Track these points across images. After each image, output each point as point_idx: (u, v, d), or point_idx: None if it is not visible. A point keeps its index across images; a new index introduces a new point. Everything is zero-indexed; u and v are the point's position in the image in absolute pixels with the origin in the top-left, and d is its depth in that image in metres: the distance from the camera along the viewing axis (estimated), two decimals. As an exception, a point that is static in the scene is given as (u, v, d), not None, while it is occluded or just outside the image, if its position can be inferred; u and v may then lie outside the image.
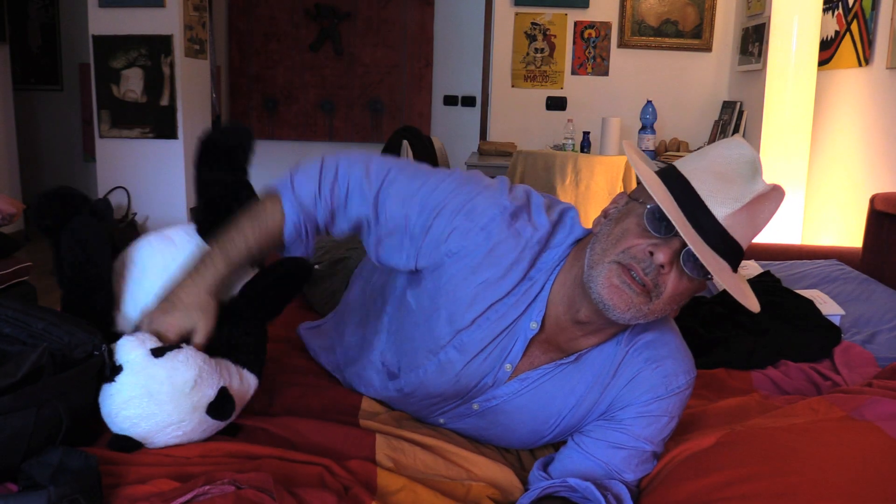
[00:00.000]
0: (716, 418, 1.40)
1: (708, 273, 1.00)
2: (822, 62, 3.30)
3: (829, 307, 2.02)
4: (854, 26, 3.16)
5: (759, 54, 4.17)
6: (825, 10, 3.29)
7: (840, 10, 3.28)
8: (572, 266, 1.12)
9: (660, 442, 1.18)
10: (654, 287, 1.02)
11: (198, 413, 1.12)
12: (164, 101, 4.82)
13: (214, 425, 1.16)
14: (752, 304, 1.04)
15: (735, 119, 4.43)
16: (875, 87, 3.02)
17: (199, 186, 1.32)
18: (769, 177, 1.03)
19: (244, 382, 1.22)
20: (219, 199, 1.28)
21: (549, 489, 1.14)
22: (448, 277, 1.13)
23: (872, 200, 2.62)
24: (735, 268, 1.04)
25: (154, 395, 1.08)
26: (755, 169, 1.01)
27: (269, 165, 6.40)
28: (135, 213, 4.91)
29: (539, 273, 1.13)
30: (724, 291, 2.12)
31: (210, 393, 1.13)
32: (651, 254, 1.00)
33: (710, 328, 1.93)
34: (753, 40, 4.31)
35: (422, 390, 1.23)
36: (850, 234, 3.14)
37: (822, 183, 3.42)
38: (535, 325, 1.13)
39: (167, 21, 4.70)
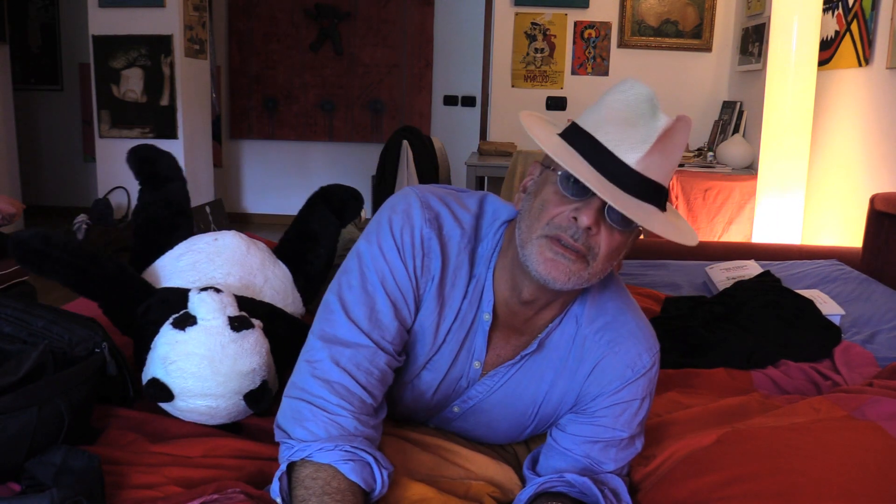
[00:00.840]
0: (716, 418, 1.40)
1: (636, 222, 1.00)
2: (822, 62, 3.30)
3: (829, 307, 2.02)
4: (854, 26, 3.16)
5: (759, 54, 4.17)
6: (825, 10, 3.29)
7: (840, 10, 3.28)
8: (507, 249, 1.12)
9: (636, 426, 1.17)
10: (588, 250, 1.01)
11: (237, 396, 1.15)
12: (164, 101, 4.82)
13: (239, 412, 1.18)
14: (688, 238, 1.04)
15: (735, 119, 4.43)
16: (875, 87, 3.03)
17: (139, 207, 1.52)
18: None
19: (275, 384, 1.25)
20: (159, 218, 1.40)
21: (546, 485, 1.14)
22: (423, 313, 1.13)
23: (872, 200, 2.62)
24: (663, 206, 1.03)
25: (214, 363, 1.12)
26: (654, 105, 1.01)
27: (269, 165, 6.45)
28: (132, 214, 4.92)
29: (480, 267, 1.13)
30: (724, 291, 2.14)
31: (256, 382, 1.16)
32: (575, 219, 1.00)
33: (710, 328, 1.93)
34: (753, 40, 4.31)
35: (403, 406, 1.24)
36: (850, 234, 3.13)
37: (822, 183, 3.42)
38: (487, 317, 1.13)
39: (167, 21, 4.70)
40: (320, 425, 1.03)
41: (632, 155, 0.97)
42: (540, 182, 1.06)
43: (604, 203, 0.98)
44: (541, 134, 1.03)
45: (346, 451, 1.02)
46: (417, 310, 1.12)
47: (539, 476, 1.18)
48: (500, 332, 1.16)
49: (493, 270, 1.12)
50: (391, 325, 1.09)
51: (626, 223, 1.00)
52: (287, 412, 1.06)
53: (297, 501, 0.99)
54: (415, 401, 1.21)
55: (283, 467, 1.03)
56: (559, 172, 1.01)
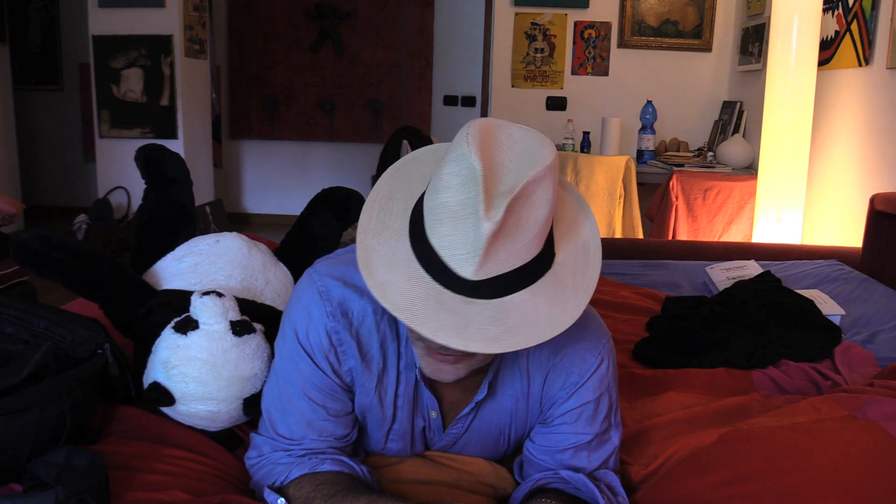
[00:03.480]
0: (716, 418, 1.40)
1: None
2: (822, 62, 3.30)
3: (829, 307, 2.02)
4: (854, 26, 3.16)
5: (759, 54, 4.17)
6: (825, 10, 3.29)
7: (840, 10, 3.28)
8: None
9: (599, 424, 1.14)
10: (465, 354, 0.95)
11: (238, 401, 1.16)
12: (164, 101, 4.82)
13: (240, 417, 1.19)
14: (554, 323, 0.89)
15: (735, 119, 4.43)
16: (875, 87, 3.03)
17: (143, 207, 1.51)
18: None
19: None
20: (162, 219, 1.40)
21: (542, 481, 1.14)
22: (360, 395, 1.12)
23: (872, 200, 2.62)
24: (535, 275, 0.91)
25: (216, 368, 1.12)
26: (477, 193, 0.84)
27: (269, 165, 6.44)
28: (134, 214, 4.92)
29: (403, 332, 1.09)
30: (725, 291, 2.14)
31: (257, 386, 1.16)
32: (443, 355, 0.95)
33: (710, 328, 1.93)
34: (753, 40, 4.31)
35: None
36: (850, 234, 3.14)
37: (822, 183, 3.42)
38: (417, 372, 1.10)
39: (167, 21, 4.70)
40: (292, 462, 1.09)
41: (467, 268, 0.86)
42: None
43: None
44: (377, 245, 0.92)
45: (317, 458, 1.08)
46: (353, 393, 1.12)
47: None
48: (444, 384, 1.13)
49: None
50: (326, 424, 1.10)
51: None
52: (260, 477, 1.12)
53: None
54: (391, 453, 1.22)
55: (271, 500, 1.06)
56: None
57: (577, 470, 1.14)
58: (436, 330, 0.86)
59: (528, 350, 1.10)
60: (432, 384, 1.12)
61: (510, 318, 0.88)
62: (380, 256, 0.91)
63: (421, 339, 0.96)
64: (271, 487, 1.07)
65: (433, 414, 1.15)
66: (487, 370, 1.11)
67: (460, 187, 0.85)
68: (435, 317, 0.86)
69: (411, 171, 1.01)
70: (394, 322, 1.08)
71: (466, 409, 1.14)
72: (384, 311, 1.05)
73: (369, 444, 1.19)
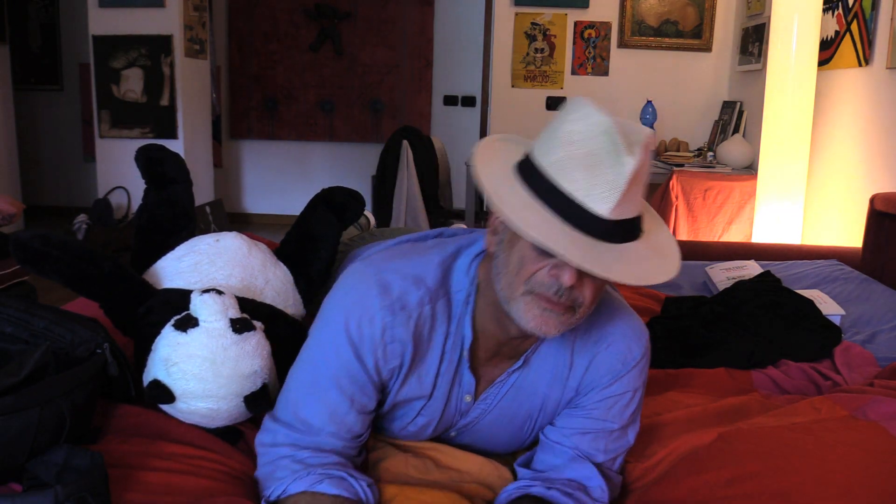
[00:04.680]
0: (716, 418, 1.40)
1: None
2: (822, 62, 3.30)
3: (829, 307, 2.02)
4: (854, 26, 3.16)
5: (759, 54, 4.17)
6: (825, 10, 3.29)
7: (840, 10, 3.28)
8: (485, 288, 1.09)
9: (628, 417, 1.17)
10: (573, 301, 0.99)
11: (238, 398, 1.16)
12: (164, 101, 4.82)
13: (240, 414, 1.19)
14: (661, 274, 0.97)
15: (735, 119, 4.43)
16: (875, 87, 3.03)
17: (143, 207, 1.52)
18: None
19: (276, 387, 1.25)
20: (162, 219, 1.40)
21: (518, 492, 1.14)
22: (398, 384, 1.13)
23: (872, 200, 2.62)
24: (640, 232, 0.99)
25: (216, 365, 1.12)
26: (613, 140, 0.92)
27: (269, 165, 6.44)
28: (135, 214, 4.92)
29: (456, 308, 1.11)
30: (725, 291, 2.14)
31: (257, 384, 1.16)
32: (556, 277, 0.97)
33: (710, 328, 1.93)
34: (753, 40, 4.31)
35: (398, 437, 1.25)
36: (850, 234, 3.14)
37: (822, 183, 3.42)
38: (465, 354, 1.12)
39: (167, 21, 4.70)
40: (294, 470, 1.07)
41: (604, 205, 0.92)
42: (511, 231, 1.00)
43: None
44: (501, 190, 0.97)
45: (318, 474, 1.05)
46: (384, 391, 1.12)
47: (531, 470, 1.19)
48: (487, 363, 1.16)
49: (473, 307, 1.10)
50: (347, 419, 1.09)
51: None
52: (264, 474, 1.10)
53: None
54: (410, 437, 1.23)
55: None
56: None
57: (591, 455, 1.15)
58: (581, 258, 0.90)
59: (574, 336, 1.14)
60: (474, 366, 1.14)
61: (632, 259, 0.95)
62: (509, 199, 0.96)
63: (531, 291, 0.99)
64: (268, 502, 1.07)
65: (467, 398, 1.16)
66: (530, 347, 1.14)
67: (587, 140, 0.93)
68: (573, 246, 0.92)
69: (497, 149, 1.06)
70: (447, 304, 1.10)
71: (500, 378, 1.15)
72: (437, 294, 1.09)
73: (394, 420, 1.18)
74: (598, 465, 1.16)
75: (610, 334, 1.15)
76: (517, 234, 0.97)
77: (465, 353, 1.12)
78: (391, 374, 1.10)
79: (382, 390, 1.12)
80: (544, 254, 0.96)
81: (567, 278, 0.96)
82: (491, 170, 1.01)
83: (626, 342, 1.15)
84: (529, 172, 0.98)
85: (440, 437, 1.26)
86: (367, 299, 1.07)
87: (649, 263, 0.97)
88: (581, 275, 0.96)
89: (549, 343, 1.15)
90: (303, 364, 1.13)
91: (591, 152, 0.93)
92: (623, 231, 0.95)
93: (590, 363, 1.15)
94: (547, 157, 0.96)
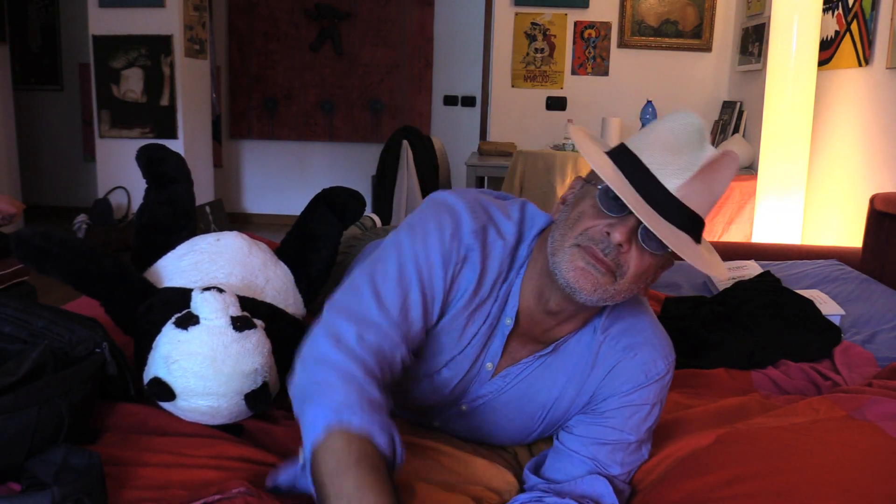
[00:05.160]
0: (716, 418, 1.40)
1: (668, 247, 1.00)
2: (822, 62, 3.30)
3: (829, 307, 2.02)
4: (854, 26, 3.16)
5: (759, 54, 4.17)
6: (825, 10, 3.29)
7: (840, 10, 3.28)
8: (537, 258, 1.12)
9: (645, 431, 1.17)
10: (618, 267, 1.02)
11: (238, 396, 1.16)
12: (164, 101, 4.82)
13: (240, 412, 1.19)
14: (719, 271, 1.06)
15: (735, 119, 4.43)
16: (875, 87, 3.03)
17: (143, 206, 1.52)
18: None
19: (276, 385, 1.25)
20: (163, 219, 1.40)
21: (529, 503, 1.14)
22: (449, 318, 1.13)
23: (872, 200, 2.62)
24: (698, 238, 1.04)
25: (216, 363, 1.12)
26: (702, 136, 1.01)
27: (268, 165, 6.45)
28: (135, 214, 4.92)
29: (513, 273, 1.14)
30: (724, 291, 2.14)
31: (258, 382, 1.16)
32: (608, 234, 1.00)
33: (710, 328, 1.93)
34: (753, 40, 4.31)
35: (415, 403, 1.24)
36: (850, 234, 3.14)
37: (822, 183, 3.42)
38: (509, 321, 1.14)
39: (167, 21, 4.70)
40: (352, 392, 0.97)
41: (673, 180, 0.99)
42: (579, 195, 1.07)
43: (638, 224, 1.00)
44: (591, 150, 1.05)
45: (381, 421, 0.97)
46: (443, 313, 1.13)
47: (540, 479, 1.18)
48: (518, 339, 1.17)
49: (522, 278, 1.13)
50: (417, 322, 1.09)
51: (657, 246, 1.01)
52: (308, 381, 1.01)
53: (329, 471, 0.91)
54: (426, 397, 1.21)
55: (316, 433, 0.94)
56: (599, 186, 1.03)
57: (606, 467, 1.15)
58: (637, 204, 0.97)
59: (603, 338, 1.16)
60: (507, 338, 1.15)
61: (679, 242, 1.00)
62: (596, 157, 1.04)
63: (580, 244, 1.02)
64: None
65: (489, 365, 1.17)
66: (561, 337, 1.16)
67: (678, 132, 1.01)
68: (636, 200, 0.98)
69: (592, 137, 1.13)
70: (509, 264, 1.13)
71: (525, 360, 1.17)
72: (510, 250, 1.12)
73: (421, 366, 1.16)
74: (612, 480, 1.16)
75: (638, 345, 1.16)
76: (585, 194, 1.05)
77: (510, 322, 1.13)
78: (456, 294, 1.11)
79: (443, 310, 1.12)
80: (603, 214, 1.01)
81: (619, 235, 0.99)
82: (584, 139, 1.09)
83: (653, 355, 1.16)
84: (616, 151, 1.06)
85: (448, 415, 1.25)
86: (460, 217, 1.11)
87: (698, 253, 1.02)
88: (631, 241, 1.01)
89: (579, 339, 1.16)
90: (388, 257, 1.10)
91: (678, 140, 1.01)
92: (684, 218, 1.00)
93: (612, 368, 1.16)
94: (635, 141, 1.04)
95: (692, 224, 1.01)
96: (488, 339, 1.15)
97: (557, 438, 1.21)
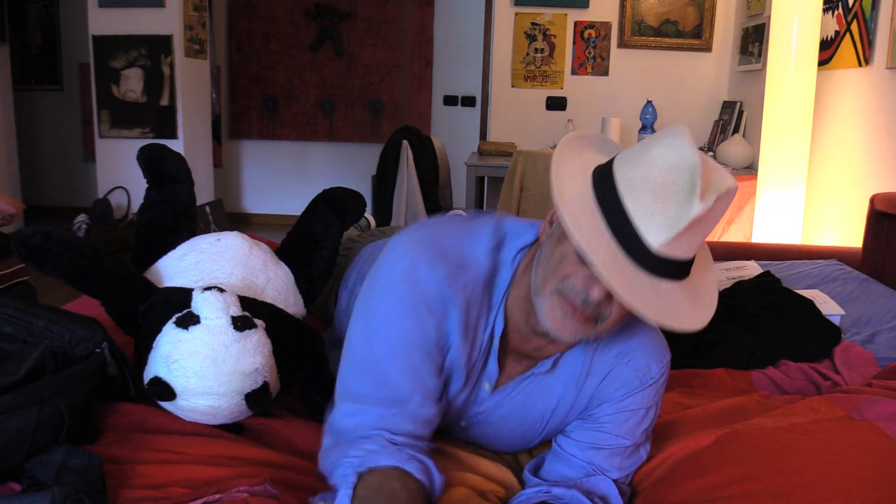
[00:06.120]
0: (716, 418, 1.40)
1: None
2: (822, 62, 3.30)
3: (829, 307, 2.02)
4: (854, 26, 3.16)
5: (759, 54, 4.17)
6: (825, 10, 3.29)
7: (840, 10, 3.28)
8: (522, 277, 1.09)
9: (641, 434, 1.17)
10: (598, 316, 0.99)
11: (238, 396, 1.16)
12: (164, 101, 4.82)
13: (240, 412, 1.18)
14: (688, 322, 0.96)
15: (735, 119, 4.43)
16: (875, 87, 3.03)
17: (144, 206, 1.52)
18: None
19: (276, 385, 1.25)
20: (164, 219, 1.40)
21: (536, 497, 1.14)
22: (449, 360, 1.12)
23: (872, 200, 2.62)
24: (685, 275, 0.98)
25: (217, 362, 1.12)
26: (694, 182, 0.90)
27: (268, 165, 6.44)
28: (135, 214, 4.91)
29: (496, 297, 1.11)
30: (724, 291, 2.14)
31: (258, 381, 1.16)
32: (588, 288, 0.96)
33: (709, 328, 1.92)
34: (753, 40, 4.31)
35: None
36: (850, 234, 3.13)
37: (822, 183, 3.42)
38: (495, 343, 1.12)
39: (167, 21, 4.70)
40: (385, 445, 1.04)
41: (656, 237, 0.91)
42: (563, 229, 1.01)
43: None
44: (565, 191, 0.96)
45: (407, 453, 1.03)
46: (446, 355, 1.11)
47: (540, 479, 1.19)
48: (512, 356, 1.16)
49: (507, 298, 1.11)
50: (429, 382, 1.08)
51: None
52: (338, 452, 1.06)
53: (361, 501, 0.96)
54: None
55: (348, 484, 0.99)
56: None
57: (604, 471, 1.15)
58: (613, 278, 0.90)
59: (596, 345, 1.14)
60: (500, 357, 1.14)
61: (662, 297, 0.94)
62: (570, 198, 0.96)
63: (560, 291, 0.99)
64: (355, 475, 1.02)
65: (486, 385, 1.16)
66: (555, 353, 1.14)
67: (669, 169, 0.91)
68: (611, 266, 0.91)
69: (582, 148, 1.06)
70: (488, 291, 1.10)
71: (522, 375, 1.15)
72: (485, 280, 1.09)
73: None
74: (615, 482, 1.16)
75: (632, 349, 1.15)
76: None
77: (496, 343, 1.12)
78: (448, 337, 1.09)
79: (445, 353, 1.11)
80: (584, 261, 0.95)
81: (596, 293, 0.96)
82: (567, 168, 1.00)
83: (646, 360, 1.15)
84: (603, 179, 0.97)
85: (449, 429, 1.25)
86: (425, 265, 1.06)
87: (678, 307, 0.95)
88: (611, 296, 0.96)
89: (573, 352, 1.15)
90: (376, 335, 1.09)
91: (668, 182, 0.91)
92: (668, 268, 0.94)
93: (607, 374, 1.15)
94: (625, 170, 0.95)
95: (677, 269, 0.96)
96: (484, 362, 1.14)
97: (556, 441, 1.22)
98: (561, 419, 1.20)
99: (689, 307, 0.97)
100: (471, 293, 1.08)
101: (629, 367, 1.14)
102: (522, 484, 1.23)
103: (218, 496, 0.99)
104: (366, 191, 3.03)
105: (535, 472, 1.22)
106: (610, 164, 0.98)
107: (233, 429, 1.22)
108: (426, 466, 1.05)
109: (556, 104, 4.90)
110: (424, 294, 1.05)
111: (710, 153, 4.32)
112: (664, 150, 0.93)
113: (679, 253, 0.93)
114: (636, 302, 0.91)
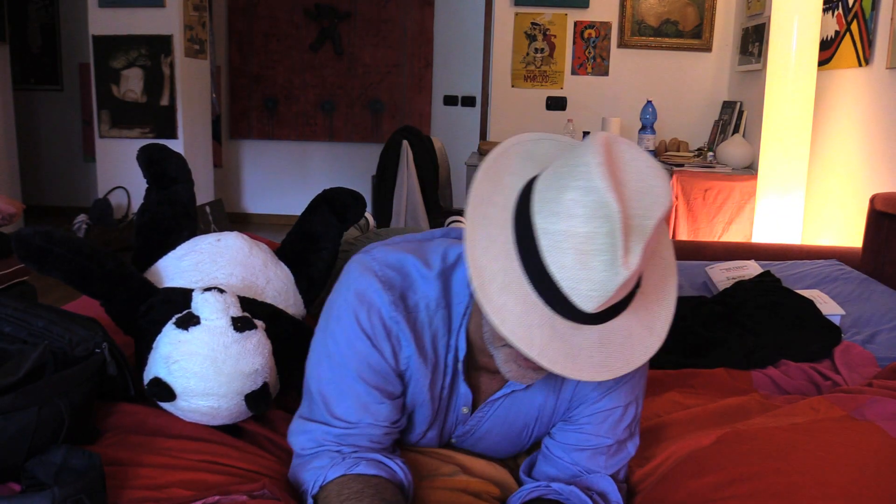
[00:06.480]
0: (716, 418, 1.40)
1: None
2: (822, 62, 3.30)
3: (829, 307, 2.02)
4: (854, 26, 3.16)
5: (759, 54, 4.17)
6: (825, 10, 3.29)
7: (840, 10, 3.28)
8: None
9: (623, 431, 1.16)
10: None
11: (239, 397, 1.16)
12: (164, 101, 4.82)
13: (240, 413, 1.18)
14: (647, 349, 0.91)
15: (735, 119, 4.43)
16: (875, 87, 3.03)
17: (144, 206, 1.52)
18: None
19: (276, 386, 1.25)
20: (164, 219, 1.40)
21: (535, 492, 1.14)
22: (412, 389, 1.12)
23: (872, 200, 2.62)
24: (634, 293, 0.91)
25: (217, 363, 1.12)
26: (613, 237, 0.82)
27: (268, 165, 6.44)
28: (135, 214, 4.91)
29: (455, 320, 1.09)
30: (724, 291, 2.14)
31: (258, 382, 1.16)
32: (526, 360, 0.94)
33: (710, 328, 1.93)
34: (753, 40, 4.31)
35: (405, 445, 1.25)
36: (850, 234, 3.14)
37: (822, 183, 3.42)
38: (459, 365, 1.11)
39: (167, 21, 4.70)
40: (332, 458, 1.07)
41: (589, 304, 0.85)
42: None
43: None
44: (487, 286, 0.88)
45: (353, 458, 1.06)
46: (405, 382, 1.10)
47: (534, 480, 1.19)
48: (485, 375, 1.15)
49: (468, 318, 1.08)
50: (382, 408, 1.08)
51: None
52: (302, 469, 1.10)
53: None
54: (416, 445, 1.23)
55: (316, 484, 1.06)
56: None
57: (590, 471, 1.15)
58: (552, 361, 0.86)
59: None
60: (471, 378, 1.13)
61: (612, 342, 0.89)
62: (492, 276, 0.88)
63: (508, 345, 0.95)
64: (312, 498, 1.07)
65: (465, 409, 1.16)
66: None
67: (587, 218, 0.82)
68: (550, 345, 0.86)
69: (502, 170, 0.97)
70: (447, 316, 1.08)
71: (498, 394, 1.14)
72: (437, 304, 1.06)
73: (409, 435, 1.18)
74: (619, 482, 1.16)
75: None
76: None
77: (460, 366, 1.10)
78: (407, 365, 1.08)
79: (403, 380, 1.10)
80: None
81: (526, 363, 0.95)
82: (482, 233, 0.91)
83: None
84: (525, 236, 0.89)
85: (441, 446, 1.25)
86: (371, 293, 1.05)
87: (630, 347, 0.90)
88: None
89: None
90: (325, 362, 1.10)
91: (589, 237, 0.83)
92: (611, 312, 0.89)
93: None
94: (546, 222, 0.86)
95: (625, 302, 0.90)
96: (453, 388, 1.13)
97: (543, 444, 1.22)
98: (545, 424, 1.20)
99: (640, 339, 0.92)
100: (421, 318, 1.06)
101: None
102: (519, 483, 1.23)
103: (218, 498, 0.99)
104: (366, 191, 3.03)
105: (530, 471, 1.22)
106: (528, 208, 0.89)
107: (231, 430, 1.22)
108: (377, 462, 1.07)
109: (556, 104, 4.90)
110: (372, 322, 1.05)
111: (710, 153, 4.31)
112: (578, 193, 0.83)
113: (621, 296, 0.87)
114: (582, 373, 0.87)
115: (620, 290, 0.85)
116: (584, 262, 0.84)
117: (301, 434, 1.11)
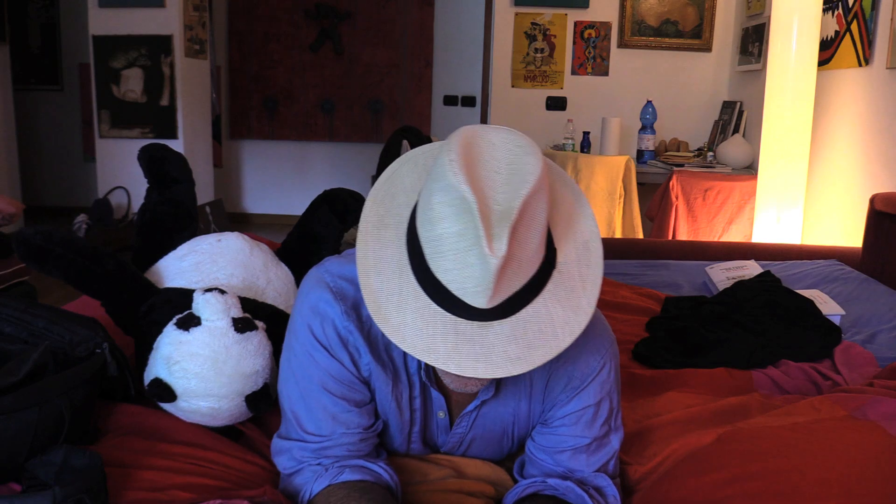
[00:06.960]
0: (716, 418, 1.40)
1: None
2: (822, 62, 3.30)
3: (829, 307, 2.02)
4: (854, 26, 3.16)
5: (759, 54, 4.17)
6: (825, 10, 3.29)
7: (840, 10, 3.28)
8: None
9: (599, 428, 1.14)
10: None
11: (239, 398, 1.16)
12: (164, 101, 4.82)
13: (241, 414, 1.19)
14: (560, 340, 0.89)
15: (735, 119, 4.43)
16: (875, 87, 3.03)
17: (145, 206, 1.52)
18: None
19: (276, 387, 1.25)
20: (165, 219, 1.40)
21: (531, 488, 1.14)
22: (380, 397, 1.12)
23: (872, 200, 2.62)
24: (547, 274, 0.91)
25: (218, 364, 1.12)
26: (475, 225, 0.82)
27: (268, 165, 6.44)
28: (135, 214, 4.91)
29: None
30: (724, 291, 2.14)
31: (258, 384, 1.16)
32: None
33: (710, 328, 1.93)
34: (753, 40, 4.31)
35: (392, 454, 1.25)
36: (850, 234, 3.14)
37: (822, 183, 3.42)
38: (422, 373, 1.10)
39: (167, 21, 4.70)
40: (315, 471, 1.08)
41: (480, 299, 0.85)
42: None
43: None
44: (375, 283, 0.89)
45: (336, 467, 1.07)
46: (371, 390, 1.10)
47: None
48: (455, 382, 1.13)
49: None
50: (352, 416, 1.09)
51: None
52: (291, 486, 1.11)
53: None
54: (406, 456, 1.23)
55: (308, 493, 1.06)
56: None
57: (574, 471, 1.14)
58: (460, 365, 0.86)
59: None
60: (439, 384, 1.12)
61: (528, 332, 0.88)
62: (388, 297, 0.90)
63: None
64: None
65: (441, 414, 1.15)
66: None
67: (455, 217, 0.83)
68: (456, 351, 0.86)
69: (396, 190, 0.98)
70: None
71: (471, 406, 1.14)
72: None
73: (393, 445, 1.19)
74: (611, 477, 1.16)
75: (566, 350, 1.07)
76: None
77: (423, 375, 1.10)
78: (368, 371, 1.08)
79: (369, 386, 1.11)
80: None
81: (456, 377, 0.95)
82: (375, 255, 0.92)
83: (584, 356, 1.10)
84: (414, 246, 0.90)
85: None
86: (324, 305, 1.05)
87: (552, 332, 0.89)
88: None
89: None
90: (290, 379, 1.11)
91: (461, 234, 0.83)
92: (515, 302, 0.88)
93: (548, 380, 1.13)
94: (424, 230, 0.88)
95: (530, 289, 0.88)
96: (425, 395, 1.13)
97: (526, 446, 1.21)
98: (524, 428, 1.19)
99: (569, 314, 0.90)
100: (375, 329, 1.06)
101: (566, 369, 1.11)
102: (516, 481, 1.23)
103: (220, 502, 0.99)
104: (366, 191, 3.03)
105: (521, 472, 1.22)
106: (414, 221, 0.91)
107: (230, 433, 1.22)
108: (360, 467, 1.07)
109: (556, 104, 4.90)
110: (327, 333, 1.05)
111: (710, 153, 4.31)
112: (441, 194, 0.84)
113: (516, 286, 0.87)
114: (499, 371, 0.86)
115: (505, 279, 0.84)
116: (462, 261, 0.84)
117: (281, 454, 1.12)
